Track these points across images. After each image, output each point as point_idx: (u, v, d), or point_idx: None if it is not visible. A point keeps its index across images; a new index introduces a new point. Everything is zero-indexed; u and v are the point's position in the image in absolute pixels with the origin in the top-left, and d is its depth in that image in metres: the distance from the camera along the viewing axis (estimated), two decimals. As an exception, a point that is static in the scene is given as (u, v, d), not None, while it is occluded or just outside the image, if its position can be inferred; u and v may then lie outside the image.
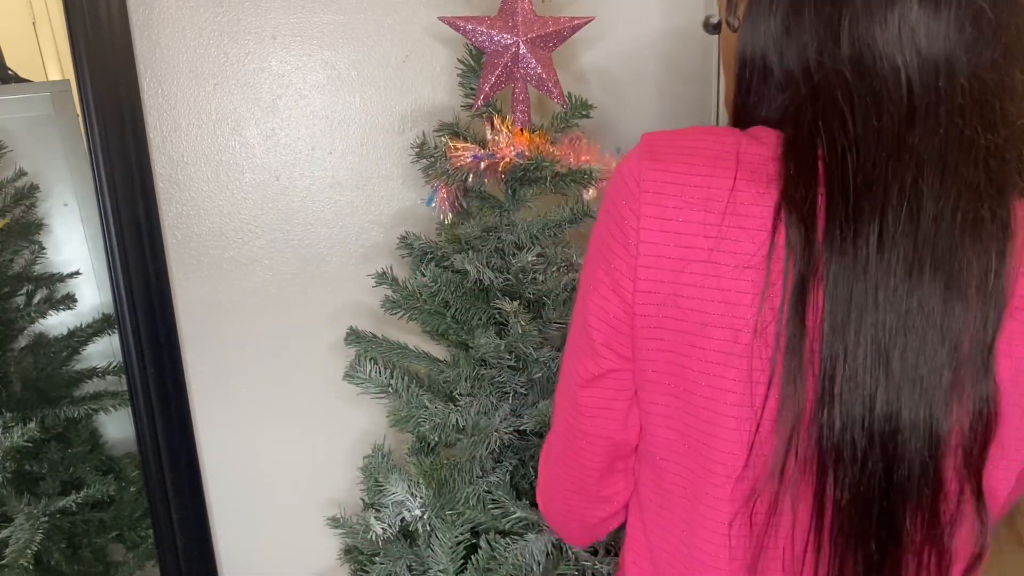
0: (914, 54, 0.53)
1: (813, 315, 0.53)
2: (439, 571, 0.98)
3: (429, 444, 1.06)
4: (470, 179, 0.98)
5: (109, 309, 1.24)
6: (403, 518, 1.01)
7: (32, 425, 1.15)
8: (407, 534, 1.06)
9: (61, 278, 1.28)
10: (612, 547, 1.03)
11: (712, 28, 0.70)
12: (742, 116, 0.64)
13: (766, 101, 0.61)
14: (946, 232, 0.52)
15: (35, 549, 1.14)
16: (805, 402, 0.53)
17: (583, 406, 0.64)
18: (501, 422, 0.98)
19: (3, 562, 1.12)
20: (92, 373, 1.32)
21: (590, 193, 0.99)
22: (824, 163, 0.53)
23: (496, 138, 0.96)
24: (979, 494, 0.58)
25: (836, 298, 0.52)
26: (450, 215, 1.04)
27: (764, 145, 0.56)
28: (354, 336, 1.10)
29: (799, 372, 0.53)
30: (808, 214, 0.52)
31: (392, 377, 1.04)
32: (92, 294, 1.31)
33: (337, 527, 1.11)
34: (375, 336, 1.09)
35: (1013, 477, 0.63)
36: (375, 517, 1.02)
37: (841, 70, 0.55)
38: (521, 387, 1.01)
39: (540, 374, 1.00)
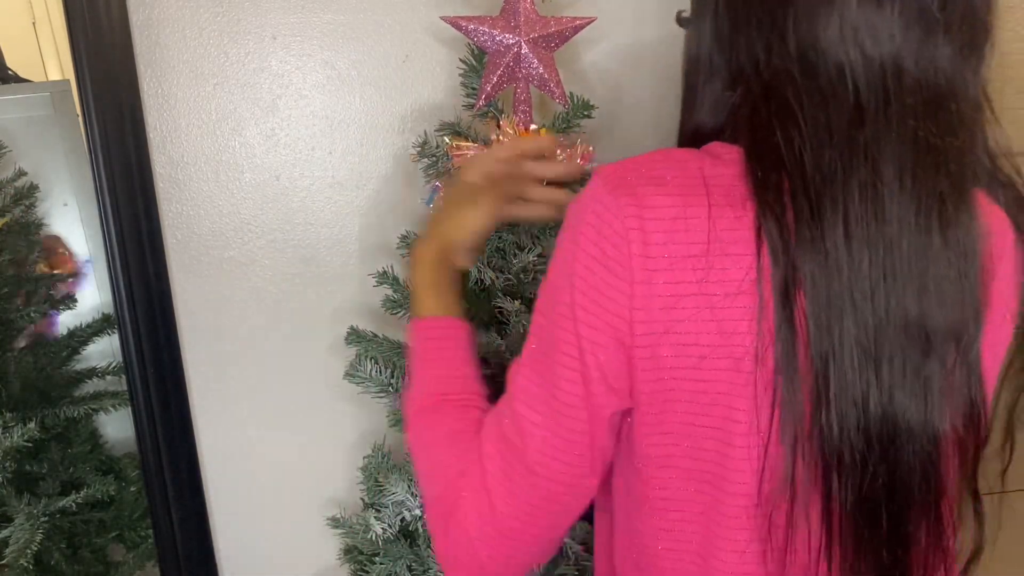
0: (858, 53, 0.53)
1: (801, 321, 0.52)
2: (439, 571, 0.98)
3: (429, 444, 1.06)
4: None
5: (109, 309, 1.23)
6: (403, 518, 1.01)
7: (32, 425, 1.15)
8: (407, 534, 1.05)
9: (61, 278, 1.28)
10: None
11: (682, 22, 0.69)
12: (687, 121, 0.63)
13: (712, 103, 0.61)
14: (912, 234, 0.52)
15: (35, 549, 1.14)
16: (804, 409, 0.53)
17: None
18: (501, 422, 0.98)
19: (3, 562, 1.12)
20: (92, 373, 1.32)
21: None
22: (785, 167, 0.53)
23: (500, 138, 0.96)
24: (977, 494, 0.58)
25: (816, 299, 0.52)
26: None
27: (727, 164, 0.55)
28: (354, 336, 1.10)
29: (795, 379, 0.52)
30: (785, 223, 0.52)
31: (392, 377, 1.04)
32: (92, 294, 1.31)
33: (337, 527, 1.11)
34: (375, 336, 1.09)
35: None
36: (375, 517, 1.02)
37: (789, 68, 0.54)
38: (521, 387, 1.01)
39: (540, 374, 1.00)
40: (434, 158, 1.02)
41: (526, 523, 0.60)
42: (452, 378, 0.72)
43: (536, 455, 0.58)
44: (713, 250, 0.53)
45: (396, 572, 1.03)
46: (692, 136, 0.62)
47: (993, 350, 0.60)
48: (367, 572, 1.06)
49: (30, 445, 1.16)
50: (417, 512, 1.00)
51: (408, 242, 1.06)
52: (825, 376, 0.52)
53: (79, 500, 1.23)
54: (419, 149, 1.04)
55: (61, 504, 1.21)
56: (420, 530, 1.01)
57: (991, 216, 0.59)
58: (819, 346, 0.52)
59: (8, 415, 1.18)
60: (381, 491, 1.03)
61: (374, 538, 1.02)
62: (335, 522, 1.11)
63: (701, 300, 0.53)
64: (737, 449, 0.56)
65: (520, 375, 0.61)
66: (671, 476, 0.60)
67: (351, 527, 1.08)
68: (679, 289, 0.53)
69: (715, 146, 0.58)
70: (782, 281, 0.52)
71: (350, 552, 1.13)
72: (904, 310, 0.52)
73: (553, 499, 0.59)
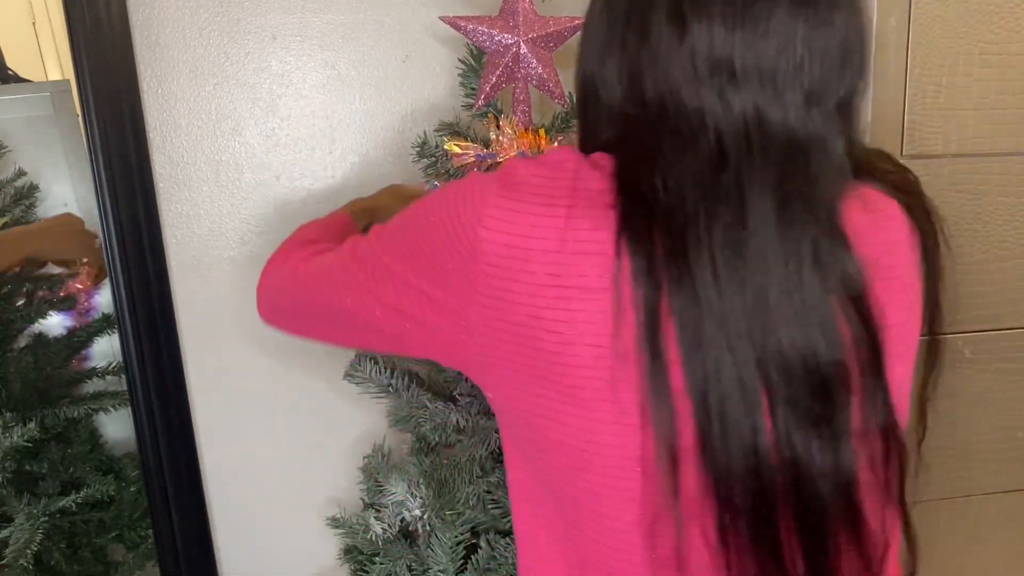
0: (715, 99, 0.53)
1: (673, 354, 0.52)
2: (439, 571, 0.98)
3: (429, 444, 1.06)
4: (470, 179, 0.98)
5: (109, 309, 1.23)
6: (403, 518, 1.01)
7: (32, 425, 1.15)
8: (407, 534, 1.06)
9: (61, 278, 1.28)
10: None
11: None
12: (584, 138, 0.64)
13: (598, 124, 0.62)
14: (785, 275, 0.52)
15: (35, 549, 1.14)
16: (677, 436, 0.53)
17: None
18: (501, 422, 0.98)
19: (3, 562, 1.12)
20: (92, 373, 1.32)
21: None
22: (648, 202, 0.53)
23: (500, 138, 0.96)
24: (907, 517, 0.59)
25: (690, 338, 0.52)
26: None
27: (601, 171, 0.56)
28: (354, 336, 1.10)
29: (666, 412, 0.52)
30: (646, 246, 0.52)
31: (392, 377, 1.04)
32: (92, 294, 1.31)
33: (337, 527, 1.11)
34: (375, 336, 1.09)
35: None
36: (375, 517, 1.02)
37: (648, 113, 0.55)
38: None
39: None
40: (434, 158, 1.02)
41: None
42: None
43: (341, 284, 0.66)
44: (569, 248, 0.53)
45: (396, 572, 1.03)
46: (588, 144, 0.63)
47: (903, 358, 0.60)
48: (367, 572, 1.06)
49: (30, 445, 1.16)
50: (417, 512, 1.00)
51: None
52: (706, 413, 0.52)
53: (79, 500, 1.23)
54: (419, 149, 1.04)
55: (61, 504, 1.21)
56: (420, 530, 1.01)
57: (883, 210, 0.59)
58: (698, 384, 0.52)
59: (8, 415, 1.17)
60: (381, 491, 1.03)
61: (374, 538, 1.02)
62: (335, 522, 1.11)
63: (559, 292, 0.54)
64: (607, 436, 0.56)
65: (377, 242, 0.65)
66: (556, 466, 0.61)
67: (351, 527, 1.08)
68: (538, 279, 0.54)
69: (598, 156, 0.58)
70: (649, 311, 0.52)
71: (350, 552, 1.13)
72: (788, 349, 0.52)
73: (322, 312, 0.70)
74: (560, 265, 0.53)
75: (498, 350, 0.57)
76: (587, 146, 0.63)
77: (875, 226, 0.58)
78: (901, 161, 0.69)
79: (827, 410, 0.53)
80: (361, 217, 0.95)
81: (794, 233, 0.52)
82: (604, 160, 0.57)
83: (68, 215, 1.14)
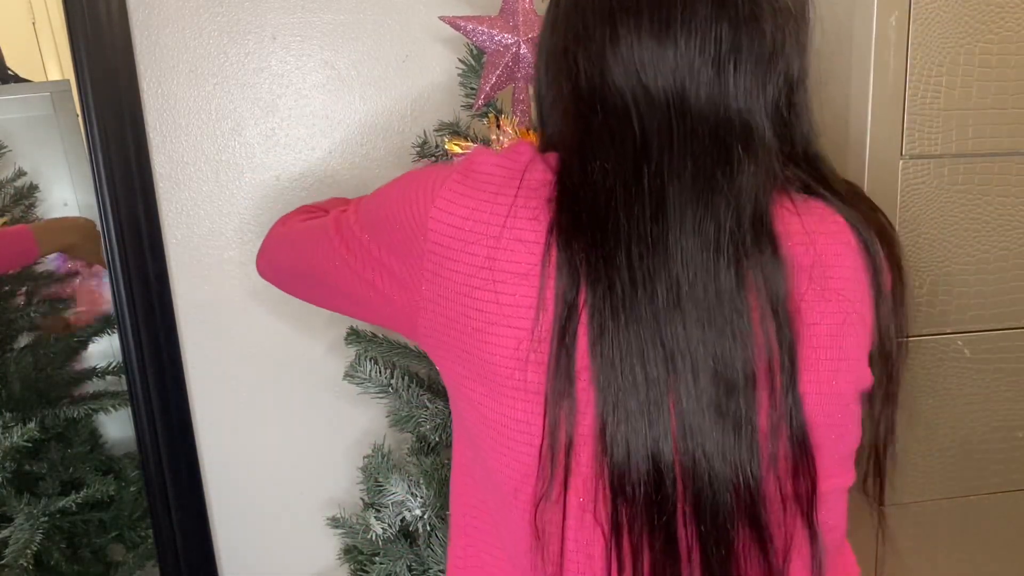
0: (641, 90, 0.55)
1: (582, 343, 0.54)
2: (439, 571, 0.98)
3: (429, 444, 1.06)
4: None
5: (109, 309, 1.24)
6: (403, 518, 1.01)
7: (32, 425, 1.15)
8: (407, 534, 1.05)
9: (61, 278, 1.28)
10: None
11: None
12: (540, 136, 0.67)
13: (547, 122, 0.65)
14: (702, 274, 0.53)
15: (35, 549, 1.14)
16: (575, 428, 0.54)
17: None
18: (501, 422, 0.98)
19: (3, 562, 1.12)
20: (92, 373, 1.32)
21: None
22: (579, 195, 0.55)
23: (500, 137, 0.96)
24: (811, 527, 0.58)
25: (599, 330, 0.53)
26: None
27: (547, 165, 0.59)
28: (354, 336, 1.10)
29: (566, 397, 0.54)
30: (572, 239, 0.54)
31: (392, 377, 1.04)
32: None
33: (337, 527, 1.11)
34: (375, 336, 1.09)
35: (843, 500, 0.62)
36: (375, 517, 1.02)
37: (583, 104, 0.58)
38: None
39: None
40: (434, 158, 1.02)
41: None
42: None
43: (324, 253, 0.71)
44: (507, 234, 0.56)
45: (396, 572, 1.03)
46: (543, 142, 0.66)
47: (843, 373, 0.59)
48: (367, 572, 1.06)
49: (30, 445, 1.16)
50: (417, 512, 1.00)
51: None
52: (607, 405, 0.53)
53: (79, 500, 1.23)
54: (419, 149, 1.04)
55: (61, 504, 1.21)
56: (420, 530, 1.01)
57: (826, 221, 0.59)
58: (602, 377, 0.53)
59: (8, 415, 1.18)
60: (381, 491, 1.03)
61: (374, 538, 1.02)
62: (335, 522, 1.11)
63: (491, 274, 0.56)
64: (514, 422, 0.57)
65: (354, 214, 0.70)
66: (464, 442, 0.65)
67: (351, 527, 1.08)
68: (475, 260, 0.57)
69: (551, 153, 0.61)
70: (566, 307, 0.54)
71: (350, 552, 1.13)
72: (695, 346, 0.53)
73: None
74: (497, 250, 0.56)
75: (438, 323, 0.60)
76: (543, 144, 0.66)
77: (812, 233, 0.58)
78: (902, 157, 0.69)
79: (731, 409, 0.53)
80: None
81: (711, 229, 0.53)
82: (552, 156, 0.60)
83: (87, 220, 1.23)
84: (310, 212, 0.86)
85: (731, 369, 0.53)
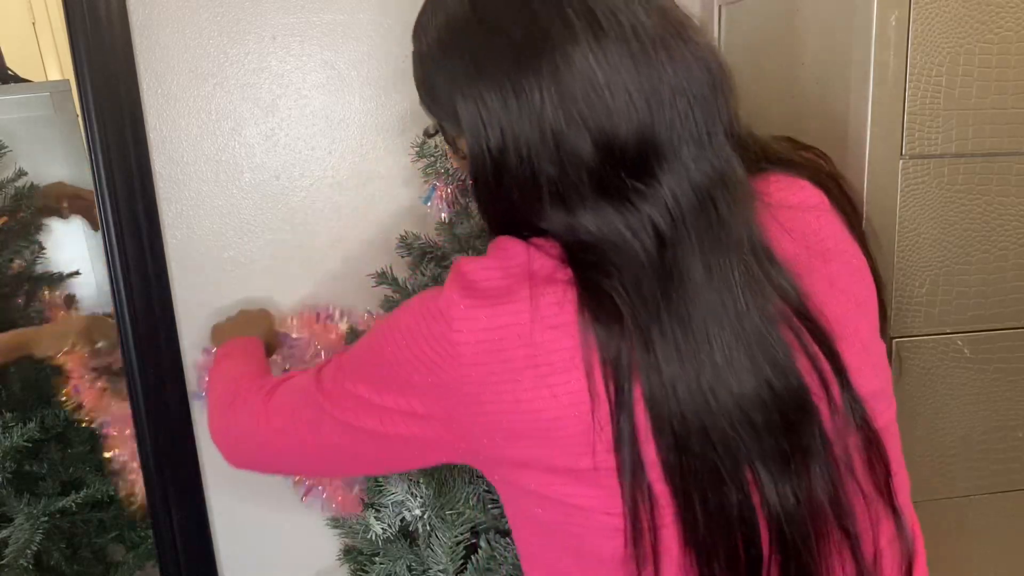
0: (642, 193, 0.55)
1: (639, 415, 0.53)
2: (439, 571, 0.98)
3: (429, 444, 1.06)
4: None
5: (109, 309, 1.24)
6: (403, 518, 1.01)
7: (32, 425, 1.15)
8: (407, 534, 1.05)
9: (61, 278, 1.28)
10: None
11: (430, 134, 0.74)
12: (502, 215, 0.62)
13: (520, 199, 0.58)
14: (728, 322, 0.54)
15: (35, 549, 1.14)
16: (656, 510, 0.54)
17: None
18: (501, 422, 0.98)
19: (3, 562, 1.12)
20: (92, 373, 1.31)
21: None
22: (603, 282, 0.55)
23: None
24: (895, 512, 0.59)
25: (651, 404, 0.53)
26: (445, 213, 1.05)
27: (547, 255, 0.57)
28: (354, 336, 1.10)
29: (639, 482, 0.53)
30: (606, 321, 0.53)
31: (392, 377, 1.04)
32: (92, 294, 1.31)
33: (337, 527, 1.11)
34: (375, 336, 1.09)
35: (896, 433, 0.64)
36: (375, 517, 1.02)
37: (564, 182, 0.55)
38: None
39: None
40: (433, 158, 1.02)
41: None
42: (255, 360, 0.92)
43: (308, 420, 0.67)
44: (538, 325, 0.54)
45: (396, 572, 1.03)
46: (502, 223, 0.62)
47: (866, 318, 0.62)
48: (367, 572, 1.06)
49: (30, 445, 1.17)
50: (417, 512, 1.00)
51: (408, 242, 1.06)
52: (680, 479, 0.53)
53: (79, 500, 1.23)
54: (418, 149, 1.04)
55: (61, 504, 1.21)
56: (420, 530, 1.01)
57: (793, 192, 0.61)
58: (667, 452, 0.53)
59: (8, 415, 1.18)
60: (381, 491, 1.03)
61: (374, 538, 1.02)
62: (335, 522, 1.11)
63: (539, 371, 0.54)
64: (594, 502, 0.56)
65: (340, 375, 0.65)
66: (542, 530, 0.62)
67: (351, 527, 1.08)
68: (515, 363, 0.54)
69: (540, 241, 0.58)
70: (616, 375, 0.53)
71: (350, 552, 1.13)
72: (748, 394, 0.53)
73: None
74: (534, 345, 0.54)
75: (494, 439, 0.57)
76: (508, 226, 0.61)
77: (791, 212, 0.60)
78: (902, 157, 0.69)
79: (795, 441, 0.54)
80: (217, 339, 1.04)
81: (723, 274, 0.54)
82: (546, 244, 0.58)
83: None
84: (248, 386, 0.80)
85: (781, 402, 0.54)
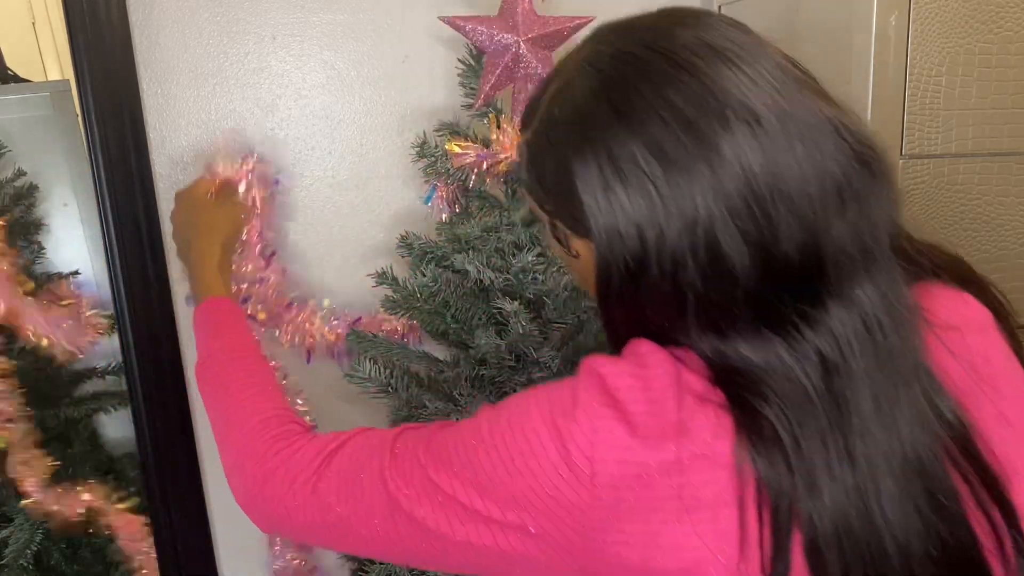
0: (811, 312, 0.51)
1: (796, 557, 0.49)
2: (439, 571, 0.98)
3: (429, 444, 1.06)
4: (472, 179, 0.98)
5: (109, 309, 1.24)
6: (403, 518, 1.01)
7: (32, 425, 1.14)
8: (407, 534, 1.05)
9: (61, 278, 1.28)
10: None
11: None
12: (626, 318, 0.56)
13: (663, 305, 0.53)
14: (896, 463, 0.50)
15: (35, 549, 1.14)
16: None
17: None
18: (501, 422, 0.98)
19: (3, 562, 1.12)
20: (92, 373, 1.32)
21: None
22: (764, 413, 0.50)
23: (500, 138, 0.96)
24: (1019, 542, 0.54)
25: (816, 542, 0.49)
26: (446, 213, 1.05)
27: (693, 372, 0.52)
28: (354, 336, 1.10)
29: None
30: (769, 458, 0.48)
31: (392, 377, 1.04)
32: (92, 294, 1.31)
33: (337, 527, 1.10)
34: (375, 336, 1.09)
35: None
36: (375, 517, 1.02)
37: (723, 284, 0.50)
38: (521, 387, 1.01)
39: (540, 375, 1.00)
40: (433, 158, 1.02)
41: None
42: (247, 340, 0.87)
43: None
44: (684, 455, 0.49)
45: (396, 572, 1.03)
46: (629, 336, 0.56)
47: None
48: (367, 572, 1.06)
49: (30, 445, 1.16)
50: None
51: (408, 242, 1.06)
52: None
53: (79, 500, 1.23)
54: (418, 149, 1.04)
55: (61, 504, 1.21)
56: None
57: (962, 309, 0.58)
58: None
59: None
60: (381, 491, 1.03)
61: (374, 538, 1.02)
62: (335, 522, 1.11)
63: (681, 504, 0.49)
64: None
65: (440, 446, 0.57)
66: None
67: (351, 527, 1.07)
68: (656, 493, 0.49)
69: (682, 352, 0.53)
70: (773, 513, 0.49)
71: (350, 552, 1.13)
72: (914, 545, 0.49)
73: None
74: (682, 474, 0.49)
75: (609, 570, 0.52)
76: (636, 336, 0.55)
77: (956, 334, 0.55)
78: (902, 157, 0.68)
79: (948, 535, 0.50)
80: (183, 255, 1.00)
81: (891, 410, 0.50)
82: (688, 356, 0.53)
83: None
84: (287, 430, 0.74)
85: (960, 563, 0.50)
